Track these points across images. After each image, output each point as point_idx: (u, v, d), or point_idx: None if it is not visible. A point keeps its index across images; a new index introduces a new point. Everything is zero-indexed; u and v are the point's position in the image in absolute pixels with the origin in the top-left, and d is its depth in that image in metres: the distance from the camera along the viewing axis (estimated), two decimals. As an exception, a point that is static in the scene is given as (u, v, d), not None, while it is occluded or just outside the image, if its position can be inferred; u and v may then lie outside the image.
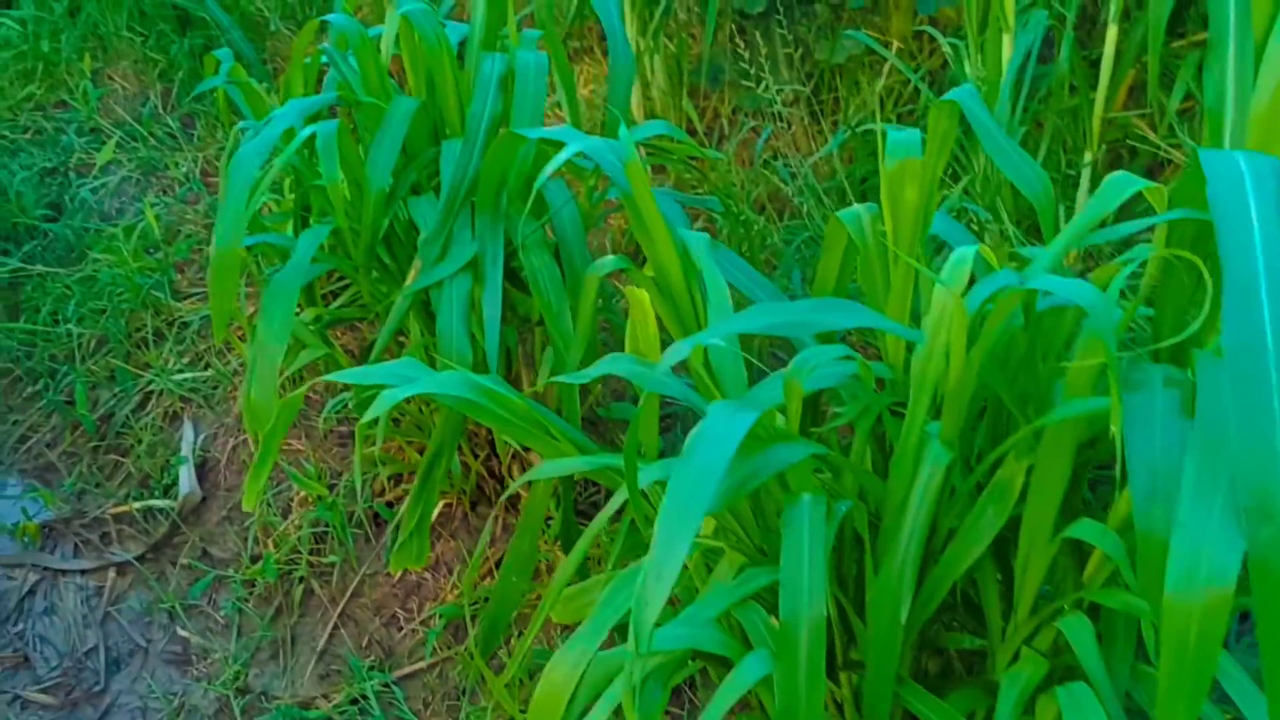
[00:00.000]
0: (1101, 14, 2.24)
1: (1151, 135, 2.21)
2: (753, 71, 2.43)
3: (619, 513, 0.98)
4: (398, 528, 1.56)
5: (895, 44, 2.55)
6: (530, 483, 1.12)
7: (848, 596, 0.94)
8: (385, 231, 1.41)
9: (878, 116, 2.41)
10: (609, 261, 1.07)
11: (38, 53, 2.90)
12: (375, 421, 1.08)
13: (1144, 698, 0.87)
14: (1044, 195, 0.96)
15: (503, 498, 1.33)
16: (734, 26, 2.77)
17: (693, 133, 2.60)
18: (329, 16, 1.43)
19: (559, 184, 1.34)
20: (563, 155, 1.05)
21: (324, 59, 1.51)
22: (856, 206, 1.07)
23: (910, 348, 0.89)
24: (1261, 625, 0.59)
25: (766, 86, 2.36)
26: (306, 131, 1.34)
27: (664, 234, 1.06)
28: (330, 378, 1.05)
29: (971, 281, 0.87)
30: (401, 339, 1.51)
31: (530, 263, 1.25)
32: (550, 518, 1.41)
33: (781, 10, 2.47)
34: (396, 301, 1.31)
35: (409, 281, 1.29)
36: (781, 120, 2.54)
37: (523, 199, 1.32)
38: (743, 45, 2.73)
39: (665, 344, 1.09)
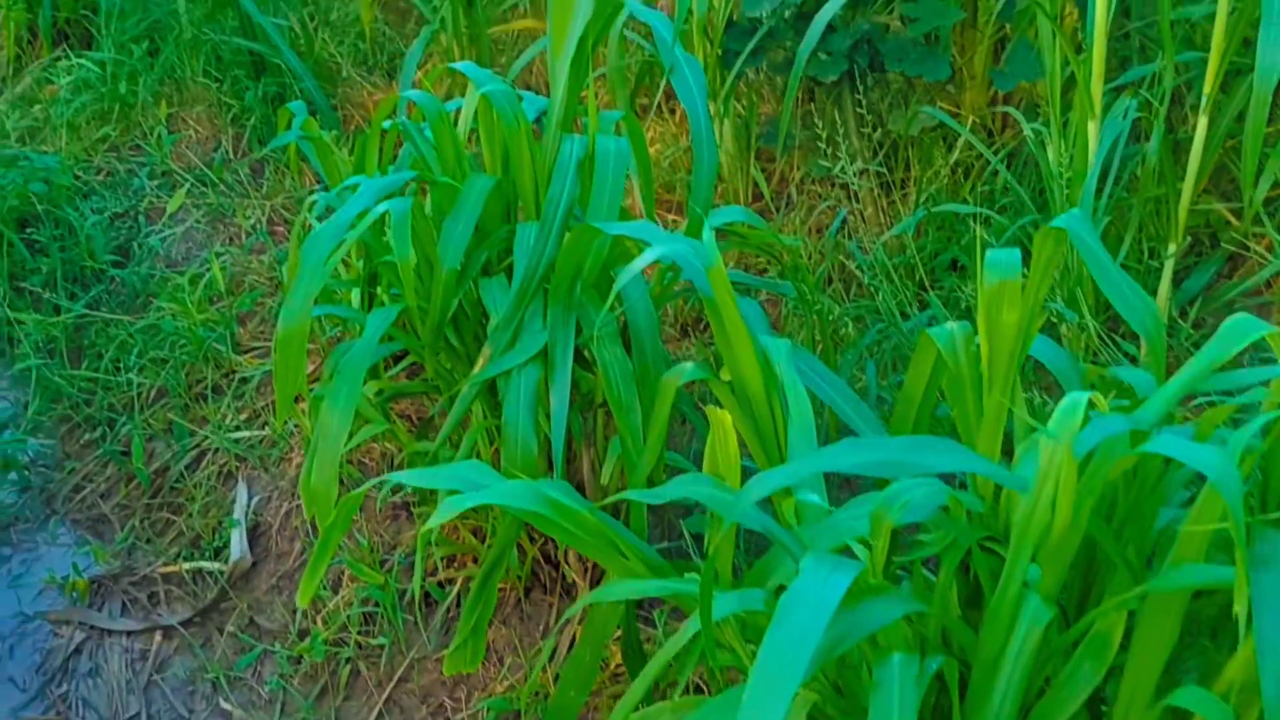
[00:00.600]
0: (1189, 98, 2.18)
1: (1235, 222, 2.14)
2: (824, 139, 2.40)
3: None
4: (448, 611, 1.52)
5: (970, 117, 2.51)
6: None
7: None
8: (454, 311, 1.38)
9: (949, 193, 2.36)
10: (688, 369, 1.03)
11: (115, 94, 2.93)
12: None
13: None
14: (1154, 328, 0.90)
15: (568, 613, 1.28)
16: (805, 93, 2.74)
17: (759, 198, 2.57)
18: (408, 93, 1.42)
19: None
20: (646, 258, 1.01)
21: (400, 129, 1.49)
22: (950, 325, 1.02)
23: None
24: None
25: (837, 155, 2.32)
26: (380, 208, 1.32)
27: (746, 344, 1.02)
28: (397, 479, 1.02)
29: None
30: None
31: (602, 355, 1.22)
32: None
33: (855, 78, 2.44)
34: (463, 390, 1.27)
35: (477, 369, 1.26)
36: (851, 190, 2.50)
37: (596, 288, 1.29)
38: (815, 112, 2.70)
39: (743, 452, 1.05)
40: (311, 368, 1.94)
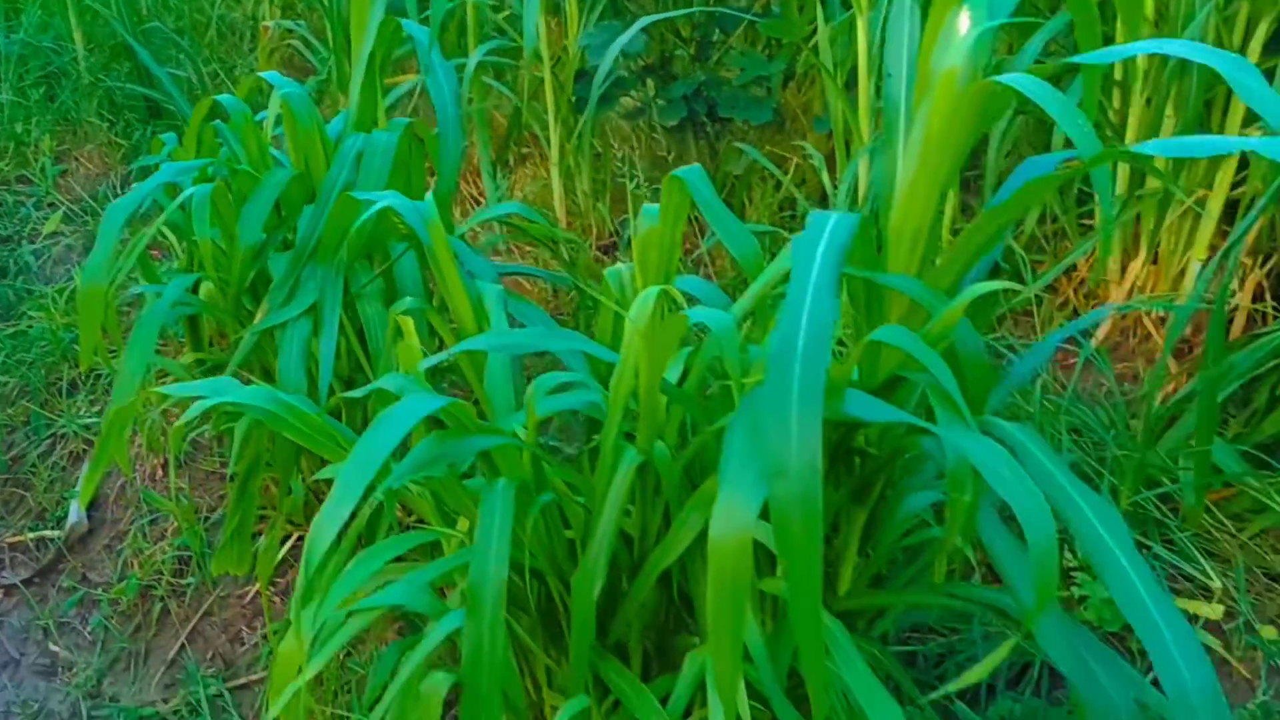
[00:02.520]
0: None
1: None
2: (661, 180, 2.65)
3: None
4: (254, 558, 1.71)
5: (795, 159, 2.78)
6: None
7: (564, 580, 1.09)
8: (254, 282, 1.60)
9: (777, 220, 2.63)
10: (407, 301, 1.26)
11: (10, 133, 3.14)
12: (221, 440, 1.24)
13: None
14: (751, 254, 1.14)
15: (284, 508, 1.48)
16: (655, 137, 3.02)
17: (604, 233, 2.82)
18: (220, 97, 1.65)
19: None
20: (372, 209, 1.24)
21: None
22: (620, 266, 1.26)
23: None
24: (781, 547, 0.75)
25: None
26: (188, 192, 1.54)
27: (458, 283, 1.24)
28: (157, 389, 1.22)
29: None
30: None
31: (365, 310, 1.44)
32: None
33: (697, 123, 2.71)
34: (244, 338, 1.49)
35: (256, 321, 1.48)
36: (694, 223, 2.76)
37: (369, 258, 1.51)
38: (667, 154, 2.98)
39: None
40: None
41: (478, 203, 3.02)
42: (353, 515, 0.88)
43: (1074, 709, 1.01)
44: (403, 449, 0.92)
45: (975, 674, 0.89)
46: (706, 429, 1.02)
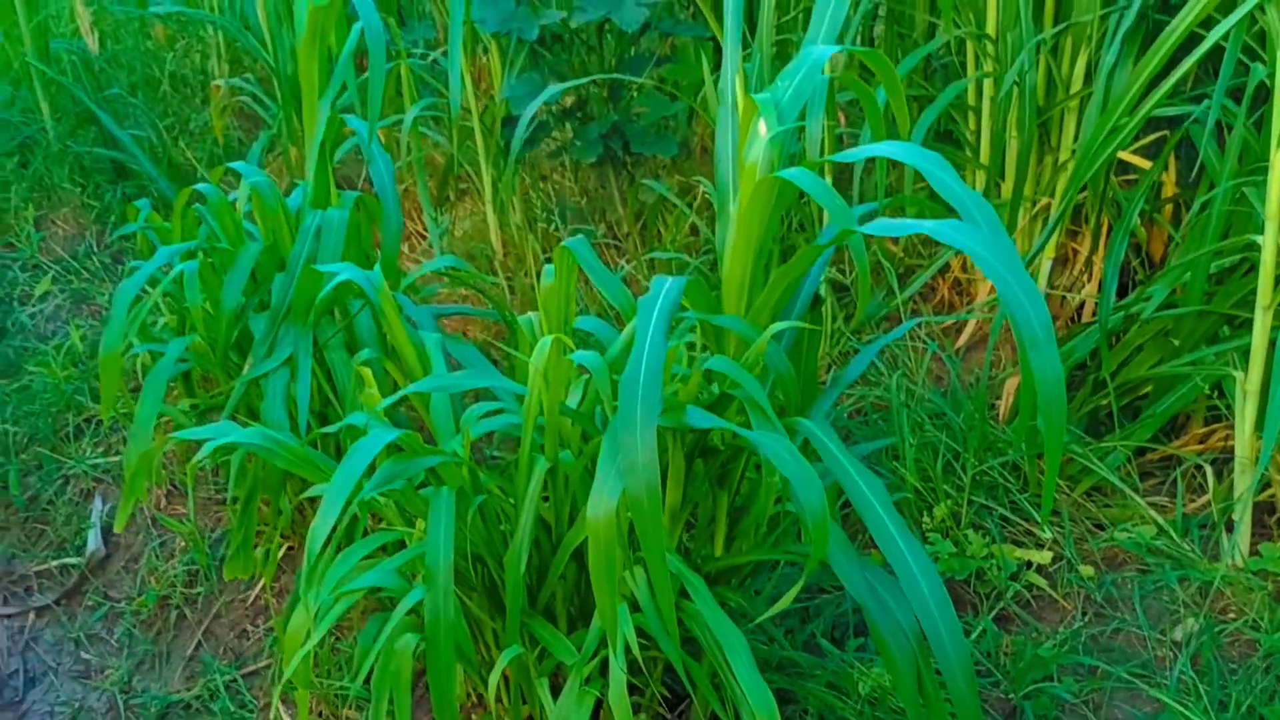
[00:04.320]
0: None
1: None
2: (592, 210, 3.00)
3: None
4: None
5: (704, 182, 3.13)
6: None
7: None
8: (238, 340, 1.93)
9: (688, 246, 2.98)
10: (365, 353, 1.60)
11: (-10, 202, 3.43)
12: (216, 471, 1.57)
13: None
14: (625, 302, 1.49)
15: (278, 524, 1.81)
16: (578, 170, 3.37)
17: (539, 260, 3.15)
18: (199, 185, 1.97)
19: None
20: (333, 282, 1.57)
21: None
22: (531, 315, 1.61)
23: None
24: (636, 520, 1.10)
25: (604, 222, 2.95)
26: (179, 268, 1.87)
27: (404, 336, 1.58)
28: (173, 437, 1.55)
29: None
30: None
31: (331, 358, 1.78)
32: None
33: (614, 158, 3.04)
34: (235, 387, 1.82)
35: (244, 372, 1.81)
36: (617, 248, 3.12)
37: (328, 311, 1.85)
38: (589, 185, 3.33)
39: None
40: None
41: (422, 238, 3.35)
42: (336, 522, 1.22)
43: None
44: (369, 470, 1.26)
45: (782, 603, 1.25)
46: (595, 439, 1.37)
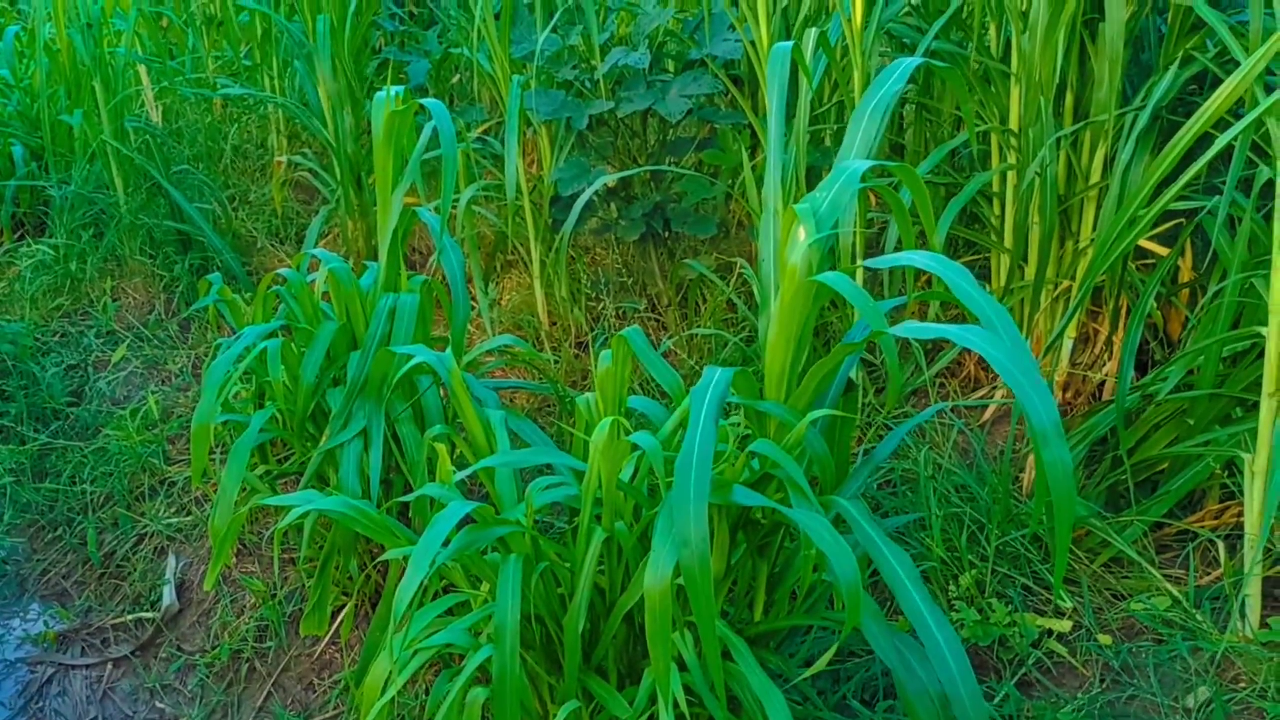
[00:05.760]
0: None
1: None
2: (635, 284, 3.16)
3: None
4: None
5: (741, 262, 3.29)
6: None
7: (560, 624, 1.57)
8: (314, 411, 2.09)
9: (724, 321, 3.13)
10: (437, 428, 1.75)
11: (67, 272, 3.65)
12: (299, 532, 1.72)
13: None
14: (675, 387, 1.64)
15: (355, 585, 1.96)
16: (621, 246, 3.54)
17: (582, 331, 3.32)
18: (281, 271, 2.15)
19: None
20: (409, 364, 1.73)
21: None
22: (588, 394, 1.75)
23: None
24: (689, 589, 1.23)
25: (646, 296, 3.12)
26: (261, 345, 2.04)
27: (472, 415, 1.74)
28: (256, 501, 1.70)
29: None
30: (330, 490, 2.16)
31: (402, 431, 1.93)
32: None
33: (655, 236, 3.21)
34: (313, 456, 1.97)
35: (321, 443, 1.96)
36: (658, 321, 3.28)
37: (401, 390, 2.01)
38: (632, 260, 3.49)
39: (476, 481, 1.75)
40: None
41: (473, 306, 3.53)
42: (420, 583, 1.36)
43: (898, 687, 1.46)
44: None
45: (818, 665, 1.38)
46: (648, 512, 1.51)
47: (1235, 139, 2.03)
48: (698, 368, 2.86)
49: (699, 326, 3.04)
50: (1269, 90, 2.03)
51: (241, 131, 4.82)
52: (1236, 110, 2.20)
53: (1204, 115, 1.99)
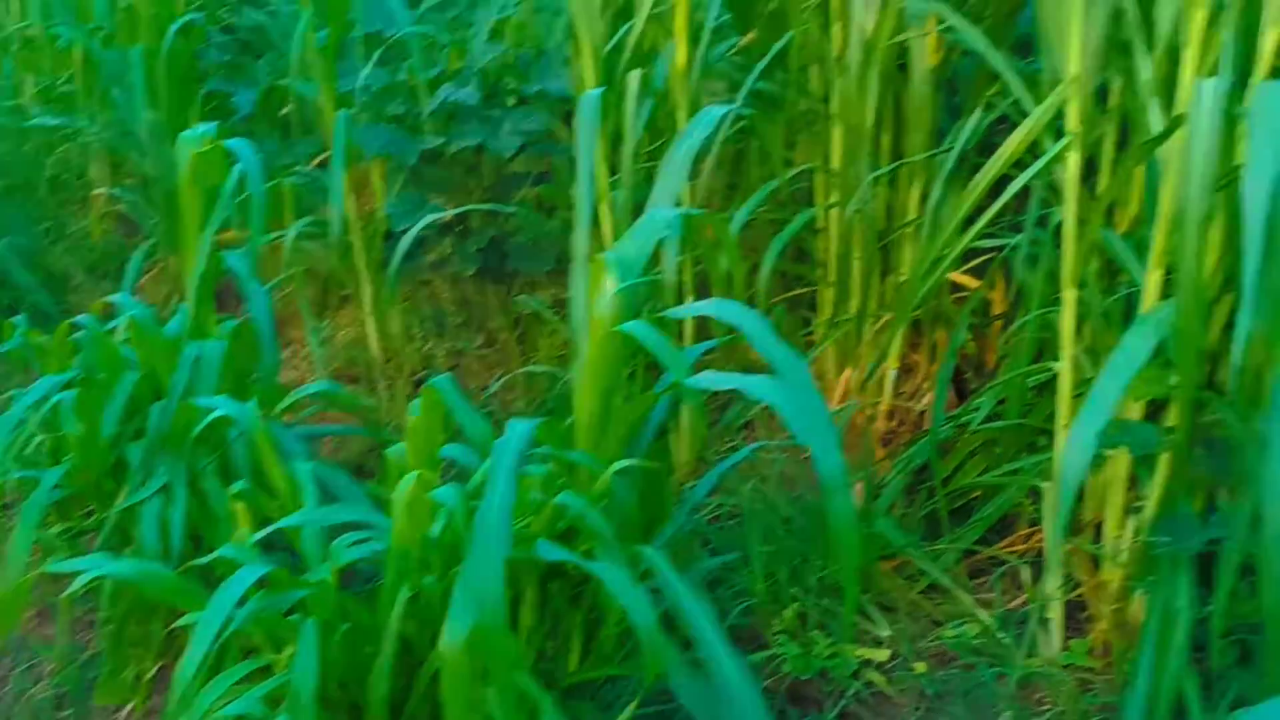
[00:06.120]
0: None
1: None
2: (471, 320, 3.13)
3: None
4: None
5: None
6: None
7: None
8: (116, 466, 1.98)
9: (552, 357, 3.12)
10: (238, 485, 1.68)
11: None
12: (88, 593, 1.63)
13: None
14: (484, 437, 1.62)
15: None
16: (462, 282, 3.50)
17: (417, 367, 3.26)
18: (78, 318, 2.04)
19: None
20: (209, 418, 1.67)
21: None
22: (400, 445, 1.72)
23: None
24: (487, 646, 1.21)
25: (483, 332, 3.09)
26: (56, 398, 1.93)
27: (277, 469, 1.68)
28: (49, 568, 1.61)
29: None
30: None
31: (206, 485, 1.85)
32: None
33: (497, 270, 3.18)
34: (109, 516, 1.87)
35: (119, 500, 1.87)
36: (499, 355, 3.25)
37: (208, 443, 1.93)
38: (474, 295, 3.46)
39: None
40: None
41: (304, 343, 3.43)
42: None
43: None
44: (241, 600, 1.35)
45: (624, 717, 1.37)
46: (455, 568, 1.48)
47: (1031, 181, 2.13)
48: (528, 410, 2.85)
49: (534, 364, 3.02)
50: (1059, 136, 2.14)
51: (60, 162, 4.59)
52: (1035, 150, 2.31)
53: (997, 162, 2.08)
